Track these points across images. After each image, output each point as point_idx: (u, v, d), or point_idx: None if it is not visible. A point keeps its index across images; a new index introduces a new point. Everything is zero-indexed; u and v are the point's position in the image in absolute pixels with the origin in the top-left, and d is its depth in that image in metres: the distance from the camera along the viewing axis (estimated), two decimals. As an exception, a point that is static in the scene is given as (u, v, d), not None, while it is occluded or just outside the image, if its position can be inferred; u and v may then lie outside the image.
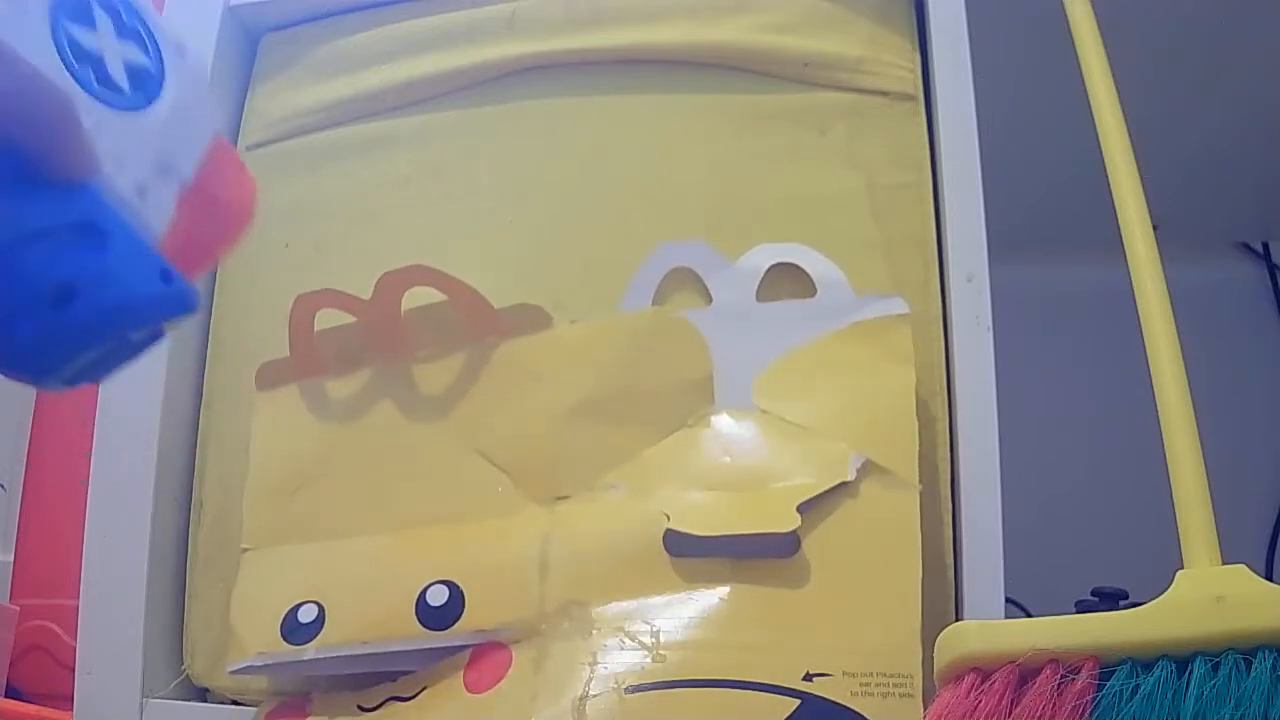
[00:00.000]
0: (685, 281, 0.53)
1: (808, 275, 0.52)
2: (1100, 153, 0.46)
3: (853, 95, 0.54)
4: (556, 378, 0.52)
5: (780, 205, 0.53)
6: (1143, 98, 0.50)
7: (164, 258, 0.33)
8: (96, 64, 0.32)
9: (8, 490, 0.87)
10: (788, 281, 0.52)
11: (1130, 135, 0.45)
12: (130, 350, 0.31)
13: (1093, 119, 0.47)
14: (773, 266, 0.52)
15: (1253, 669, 0.34)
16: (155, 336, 0.32)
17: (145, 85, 0.33)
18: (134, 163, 0.32)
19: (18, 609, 0.79)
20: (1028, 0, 0.57)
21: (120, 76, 0.32)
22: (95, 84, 0.32)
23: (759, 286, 0.52)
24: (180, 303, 0.31)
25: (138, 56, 0.33)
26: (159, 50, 0.34)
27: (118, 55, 0.33)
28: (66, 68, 0.31)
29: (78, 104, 0.30)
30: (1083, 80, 0.48)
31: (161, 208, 0.33)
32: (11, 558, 0.85)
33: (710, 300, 0.53)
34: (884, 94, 0.54)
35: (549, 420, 0.51)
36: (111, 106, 0.32)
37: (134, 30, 0.34)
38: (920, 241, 0.52)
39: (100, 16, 0.32)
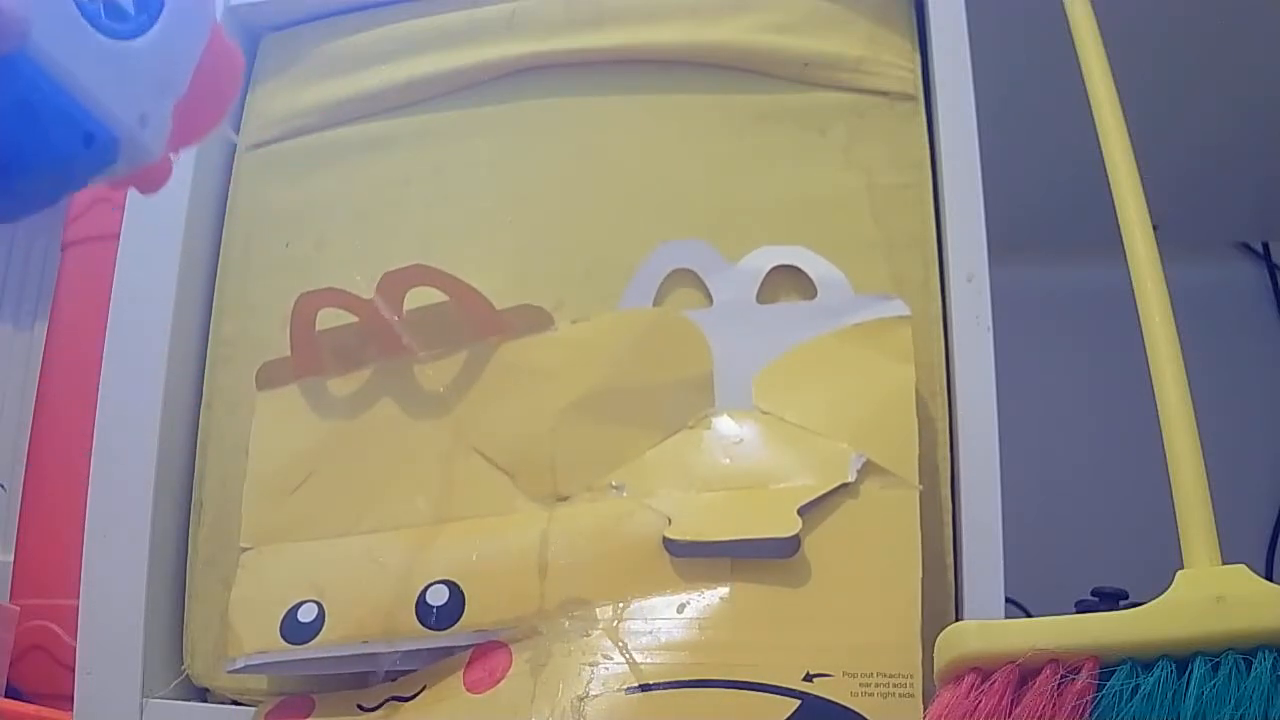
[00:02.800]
0: (685, 282, 0.53)
1: (808, 277, 0.52)
2: (1100, 153, 0.46)
3: (853, 95, 0.54)
4: (557, 377, 0.52)
5: (780, 205, 0.53)
6: (1143, 98, 0.50)
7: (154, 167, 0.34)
8: None
9: (8, 490, 0.87)
10: (788, 282, 0.52)
11: (1130, 135, 0.45)
12: (48, 199, 0.32)
13: (1093, 119, 0.47)
14: (773, 268, 0.52)
15: (1253, 669, 0.34)
16: (77, 188, 0.32)
17: (148, 4, 0.33)
18: (138, 92, 0.33)
19: (18, 609, 0.79)
20: (1028, 0, 0.57)
21: (126, 2, 0.33)
22: (103, 17, 0.32)
23: (759, 287, 0.52)
24: (101, 161, 0.32)
25: None
26: None
27: None
28: (79, 8, 0.31)
29: (88, 39, 0.31)
30: (1083, 80, 0.48)
31: (162, 127, 0.34)
32: (11, 558, 0.85)
33: (710, 301, 0.53)
34: (884, 94, 0.54)
35: (549, 420, 0.51)
36: (118, 38, 0.32)
37: None
38: (920, 241, 0.52)
39: None
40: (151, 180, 0.37)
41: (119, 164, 0.33)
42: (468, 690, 0.47)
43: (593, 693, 0.45)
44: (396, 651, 0.49)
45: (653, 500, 0.49)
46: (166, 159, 0.36)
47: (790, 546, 0.45)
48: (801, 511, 0.46)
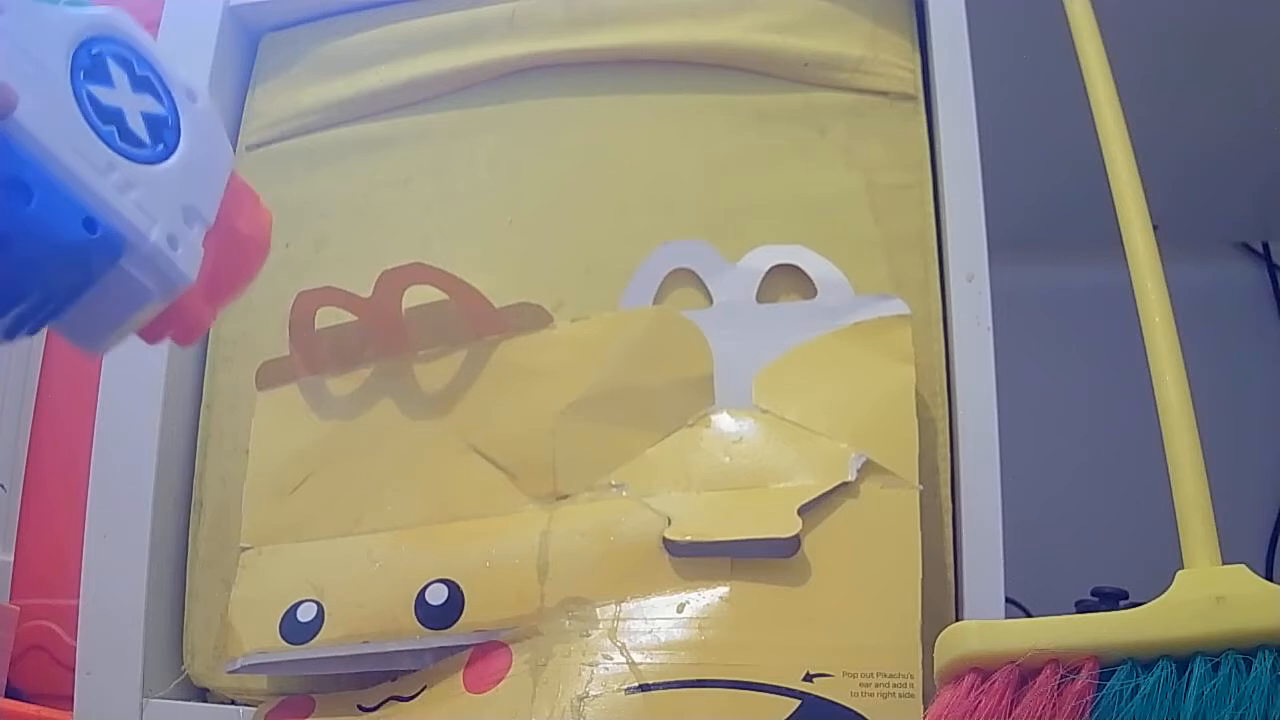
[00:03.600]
0: (685, 282, 0.53)
1: (808, 276, 0.52)
2: (1100, 153, 0.46)
3: (853, 95, 0.54)
4: (556, 376, 0.52)
5: (780, 205, 0.53)
6: (1143, 98, 0.50)
7: (189, 299, 0.35)
8: (118, 120, 0.33)
9: (8, 490, 0.87)
10: (788, 282, 0.52)
11: (1130, 135, 0.45)
12: (63, 298, 0.32)
13: (1093, 119, 0.47)
14: (773, 268, 0.52)
15: (1253, 669, 0.34)
16: (87, 283, 0.33)
17: (163, 135, 0.35)
18: (164, 214, 0.33)
19: (18, 609, 0.79)
20: (1028, 0, 0.57)
21: (140, 129, 0.34)
22: (119, 140, 0.33)
23: (759, 287, 0.52)
24: (106, 249, 0.32)
25: (153, 107, 0.35)
26: (171, 97, 0.36)
27: (135, 108, 0.34)
28: (92, 129, 0.32)
29: (112, 163, 0.32)
30: (1083, 80, 0.48)
31: (193, 252, 0.35)
32: (11, 558, 0.85)
33: (710, 301, 0.53)
34: (884, 94, 0.54)
35: (549, 419, 0.51)
36: (137, 161, 0.33)
37: (146, 81, 0.35)
38: (920, 241, 0.52)
39: (116, 72, 0.34)
40: (189, 327, 0.37)
41: (153, 290, 0.34)
42: (468, 690, 0.47)
43: (593, 693, 0.45)
44: (396, 651, 0.49)
45: (653, 500, 0.49)
46: (206, 308, 0.37)
47: (790, 546, 0.45)
48: (801, 511, 0.46)
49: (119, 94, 0.33)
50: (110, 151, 0.32)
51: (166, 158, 0.34)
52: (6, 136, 0.30)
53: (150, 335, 0.36)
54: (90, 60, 0.33)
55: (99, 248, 0.32)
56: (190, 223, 0.35)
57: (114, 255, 0.32)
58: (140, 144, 0.34)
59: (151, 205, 0.33)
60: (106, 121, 0.32)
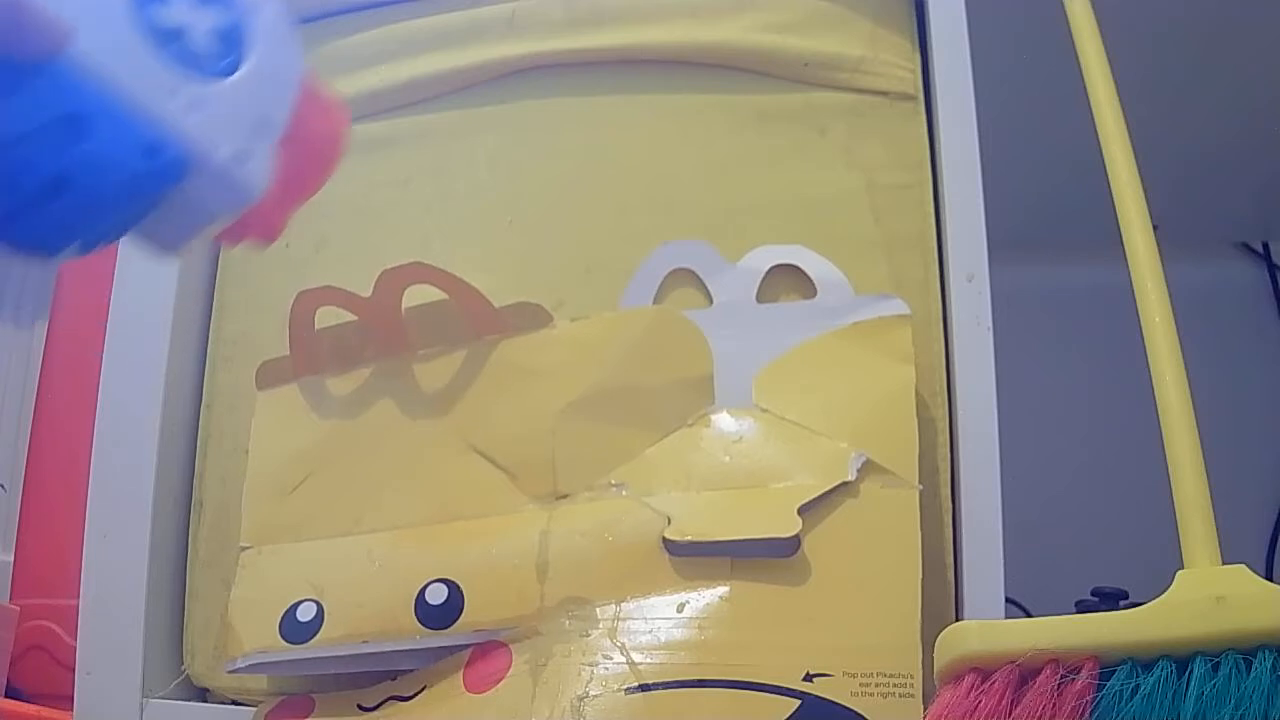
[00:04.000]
0: (685, 282, 0.53)
1: (808, 276, 0.52)
2: (1100, 153, 0.46)
3: (853, 95, 0.54)
4: (556, 376, 0.52)
5: (780, 205, 0.53)
6: (1142, 97, 0.50)
7: (256, 212, 0.34)
8: (181, 39, 0.32)
9: (8, 490, 0.87)
10: (788, 282, 0.52)
11: (1130, 135, 0.45)
12: (130, 223, 0.32)
13: (1093, 119, 0.47)
14: (773, 268, 0.52)
15: (1253, 669, 0.34)
16: (152, 207, 0.32)
17: (231, 47, 0.34)
18: (232, 132, 0.33)
19: (18, 609, 0.79)
20: (1028, 0, 0.57)
21: (206, 44, 0.33)
22: (182, 59, 0.32)
23: (759, 287, 0.52)
24: (169, 174, 0.32)
25: (219, 18, 0.33)
26: (238, 6, 0.34)
27: (200, 23, 0.33)
28: (152, 51, 0.31)
29: (176, 86, 0.31)
30: (1083, 80, 0.48)
31: (262, 165, 0.34)
32: (11, 558, 0.85)
33: (710, 301, 0.53)
34: (884, 94, 0.54)
35: (549, 419, 0.51)
36: (202, 79, 0.32)
37: None
38: (920, 241, 0.52)
39: None
40: (263, 231, 0.37)
41: (222, 205, 0.33)
42: (468, 690, 0.47)
43: (593, 693, 0.45)
44: (396, 651, 0.49)
45: (652, 500, 0.49)
46: (278, 211, 0.37)
47: (790, 546, 0.45)
48: (801, 511, 0.46)
49: (180, 11, 0.32)
50: (173, 72, 0.31)
51: (234, 71, 0.33)
52: (61, 71, 0.29)
53: (227, 239, 0.36)
54: None
55: (161, 175, 0.31)
56: (261, 135, 0.34)
57: (176, 179, 0.32)
58: (205, 60, 0.33)
59: (219, 122, 0.32)
60: (168, 42, 0.32)
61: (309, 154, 0.37)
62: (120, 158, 0.30)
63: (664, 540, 0.47)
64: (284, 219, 0.38)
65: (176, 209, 0.32)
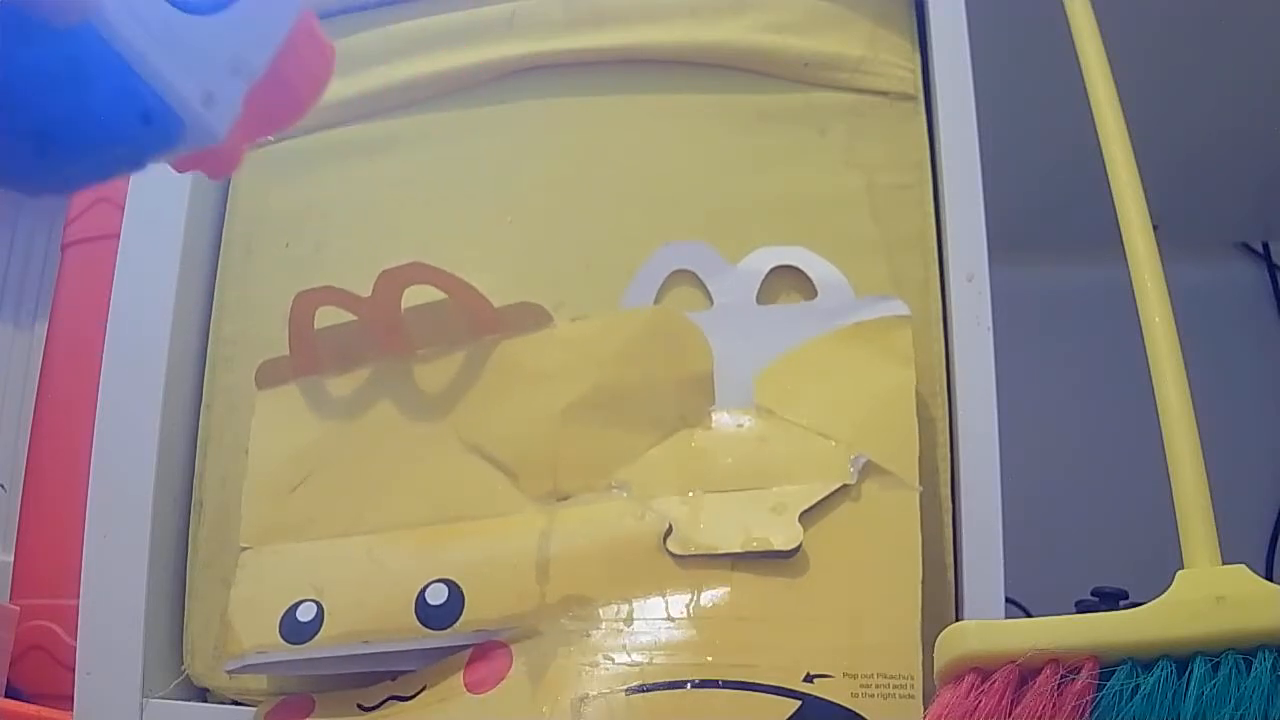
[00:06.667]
0: (686, 283, 0.53)
1: (808, 277, 0.52)
2: (1100, 152, 0.46)
3: (853, 95, 0.54)
4: (556, 376, 0.52)
5: (780, 205, 0.53)
6: (1142, 97, 0.50)
7: (218, 151, 0.32)
8: None
9: (8, 490, 0.87)
10: (788, 283, 0.52)
11: (1130, 135, 0.45)
12: (110, 177, 0.30)
13: (1092, 118, 0.47)
14: (773, 269, 0.52)
15: (1253, 669, 0.34)
16: (138, 169, 0.31)
17: None
18: (205, 69, 0.31)
19: (18, 609, 0.79)
20: (1028, 0, 0.57)
21: None
22: None
23: (759, 289, 0.52)
24: (162, 141, 0.30)
25: None
26: None
27: None
28: None
29: (155, 10, 0.29)
30: (1083, 80, 0.48)
31: (227, 111, 0.32)
32: (11, 558, 0.85)
33: (711, 302, 0.53)
34: (884, 94, 0.54)
35: (548, 419, 0.51)
36: (186, 9, 0.30)
37: None
38: (920, 241, 0.51)
39: None
40: (219, 165, 0.35)
41: (180, 144, 0.31)
42: (468, 690, 0.47)
43: (593, 693, 0.45)
44: (396, 651, 0.49)
45: (653, 503, 0.49)
46: (238, 146, 0.34)
47: (791, 553, 0.45)
48: (802, 516, 0.46)
49: None
50: (165, 3, 0.29)
51: (225, 5, 0.31)
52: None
53: (180, 167, 0.34)
54: None
55: (154, 141, 0.30)
56: (235, 75, 0.32)
57: (169, 146, 0.30)
58: None
59: (193, 59, 0.30)
60: None
61: (284, 92, 0.35)
62: (117, 121, 0.29)
63: (664, 550, 0.47)
64: (241, 155, 0.35)
65: None
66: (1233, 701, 0.34)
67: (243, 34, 0.32)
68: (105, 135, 0.29)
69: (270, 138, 0.36)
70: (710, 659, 0.44)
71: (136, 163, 0.31)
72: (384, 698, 0.49)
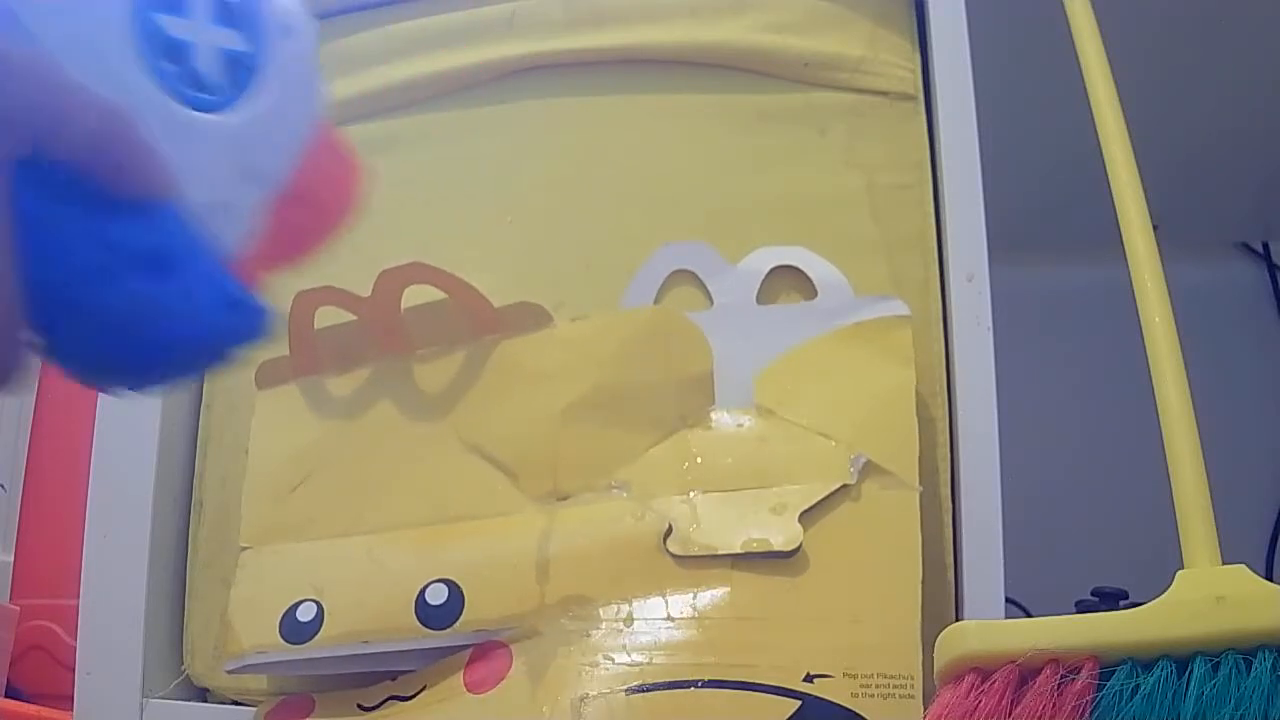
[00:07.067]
0: (686, 283, 0.53)
1: (808, 277, 0.52)
2: (1100, 152, 0.46)
3: (853, 95, 0.54)
4: (556, 376, 0.52)
5: (780, 205, 0.53)
6: (1142, 97, 0.50)
7: (235, 274, 0.29)
8: (184, 57, 0.28)
9: (8, 490, 0.87)
10: (788, 283, 0.52)
11: (1130, 134, 0.45)
12: (202, 368, 0.29)
13: (1092, 118, 0.47)
14: (773, 269, 0.52)
15: (1253, 669, 0.34)
16: (225, 359, 0.29)
17: (239, 78, 0.29)
18: (216, 175, 0.29)
19: (18, 609, 0.79)
20: (1028, 0, 0.57)
21: (212, 68, 0.28)
22: (180, 83, 0.28)
23: (759, 289, 0.52)
24: (247, 333, 0.29)
25: (235, 43, 0.29)
26: (262, 34, 0.30)
27: (210, 43, 0.29)
28: (146, 68, 0.27)
29: (158, 109, 0.27)
30: (1082, 80, 0.48)
31: (241, 222, 0.30)
32: (11, 558, 0.85)
33: (711, 302, 0.53)
34: (884, 94, 0.54)
35: (548, 419, 0.51)
36: (197, 109, 0.28)
37: (234, 10, 0.29)
38: (920, 241, 0.51)
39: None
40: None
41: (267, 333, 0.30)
42: (468, 690, 0.47)
43: (593, 693, 0.45)
44: (396, 651, 0.49)
45: (653, 503, 0.49)
46: (258, 266, 0.32)
47: (791, 553, 0.45)
48: (802, 517, 0.46)
49: (193, 25, 0.28)
50: (162, 94, 0.27)
51: (235, 104, 0.29)
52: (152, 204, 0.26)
53: None
54: None
55: (243, 332, 0.28)
56: (250, 183, 0.30)
57: (255, 336, 0.29)
58: (204, 88, 0.28)
59: (201, 161, 0.28)
60: (167, 55, 0.27)
61: (307, 213, 0.33)
62: (196, 310, 0.27)
63: (666, 551, 0.47)
64: (263, 277, 0.33)
65: None
66: (1233, 701, 0.34)
67: (256, 138, 0.30)
68: (186, 324, 0.27)
69: (295, 266, 0.33)
70: (710, 659, 0.44)
71: (217, 354, 0.29)
72: (384, 698, 0.49)
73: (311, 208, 0.33)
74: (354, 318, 0.55)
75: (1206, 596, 0.36)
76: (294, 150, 0.31)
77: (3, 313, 0.24)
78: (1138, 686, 0.35)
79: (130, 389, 0.29)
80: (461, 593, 0.48)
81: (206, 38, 0.28)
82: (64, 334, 0.26)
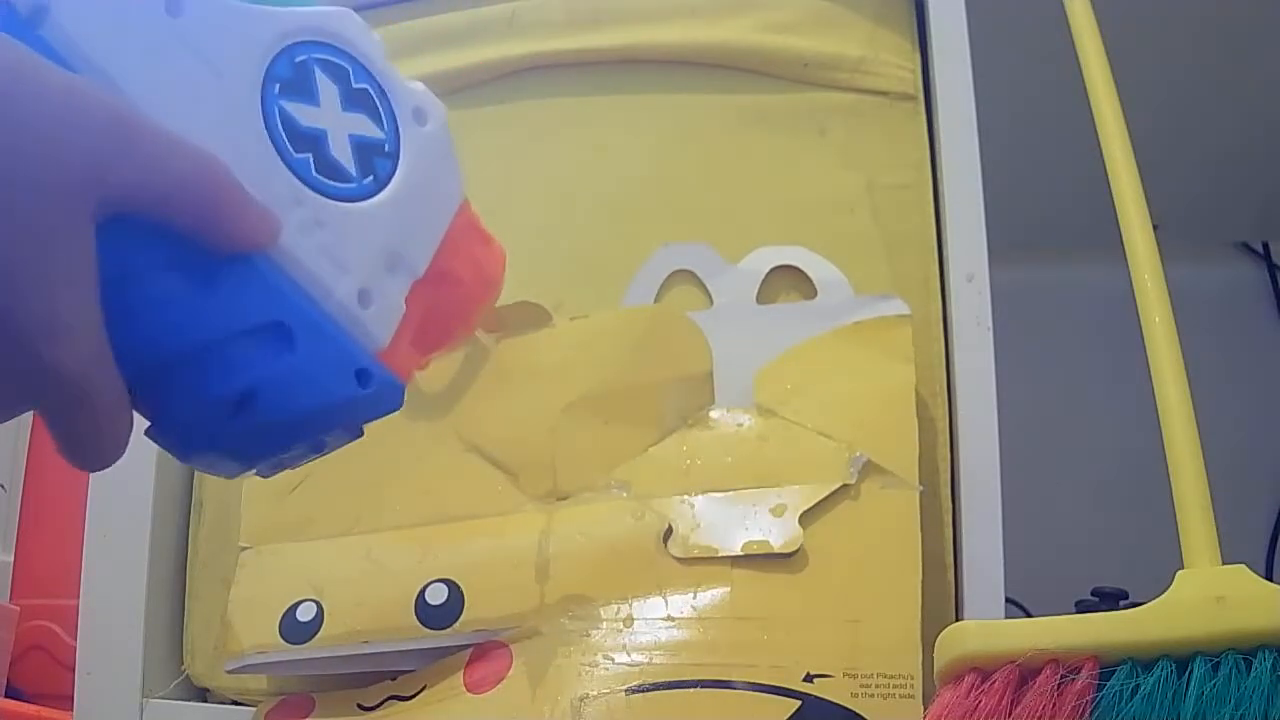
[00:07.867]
0: (686, 283, 0.53)
1: (808, 277, 0.52)
2: (1100, 153, 0.46)
3: (853, 95, 0.54)
4: (557, 376, 0.52)
5: (780, 205, 0.53)
6: (1143, 97, 0.50)
7: (384, 360, 0.28)
8: (317, 145, 0.27)
9: (8, 490, 0.87)
10: (788, 283, 0.52)
11: (1130, 135, 0.45)
12: (331, 444, 0.28)
13: (1093, 119, 0.47)
14: (773, 268, 0.52)
15: (1253, 669, 0.34)
16: (355, 433, 0.28)
17: (375, 165, 0.29)
18: (357, 264, 0.28)
19: (18, 609, 0.79)
20: (1028, 0, 0.57)
21: (345, 157, 0.28)
22: (314, 171, 0.27)
23: (759, 288, 0.52)
24: (380, 404, 0.28)
25: (368, 129, 0.29)
26: (394, 119, 0.30)
27: (343, 130, 0.28)
28: (280, 155, 0.26)
29: (296, 199, 0.26)
30: (1083, 80, 0.48)
31: (387, 312, 0.28)
32: (11, 558, 0.85)
33: (711, 302, 0.53)
34: (884, 94, 0.54)
35: (549, 418, 0.51)
36: (334, 197, 0.27)
37: (363, 96, 0.29)
38: (920, 241, 0.52)
39: (324, 87, 0.28)
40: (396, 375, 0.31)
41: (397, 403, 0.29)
42: (468, 690, 0.47)
43: (593, 693, 0.45)
44: (396, 651, 0.49)
45: (653, 503, 0.49)
46: (410, 356, 0.31)
47: (790, 552, 0.45)
48: (802, 518, 0.46)
49: (324, 113, 0.27)
50: (299, 184, 0.26)
51: (374, 193, 0.28)
52: (260, 271, 0.25)
53: None
54: (292, 70, 0.27)
55: (369, 403, 0.27)
56: (393, 272, 0.29)
57: (392, 407, 0.28)
58: (341, 176, 0.28)
59: (342, 251, 0.27)
60: (298, 144, 0.27)
61: (452, 297, 0.32)
62: (323, 379, 0.26)
63: (666, 551, 0.47)
64: (414, 366, 0.32)
65: None
66: (1233, 701, 0.34)
67: (396, 224, 0.29)
68: (314, 394, 0.26)
69: (447, 350, 0.33)
70: (710, 659, 0.44)
71: (348, 425, 0.28)
72: (384, 698, 0.49)
73: (455, 291, 0.32)
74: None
75: (1206, 596, 0.36)
76: (435, 235, 0.30)
77: (111, 387, 0.23)
78: (1138, 686, 0.35)
79: (254, 462, 0.28)
80: (461, 592, 0.48)
81: (338, 123, 0.28)
82: (166, 406, 0.26)
